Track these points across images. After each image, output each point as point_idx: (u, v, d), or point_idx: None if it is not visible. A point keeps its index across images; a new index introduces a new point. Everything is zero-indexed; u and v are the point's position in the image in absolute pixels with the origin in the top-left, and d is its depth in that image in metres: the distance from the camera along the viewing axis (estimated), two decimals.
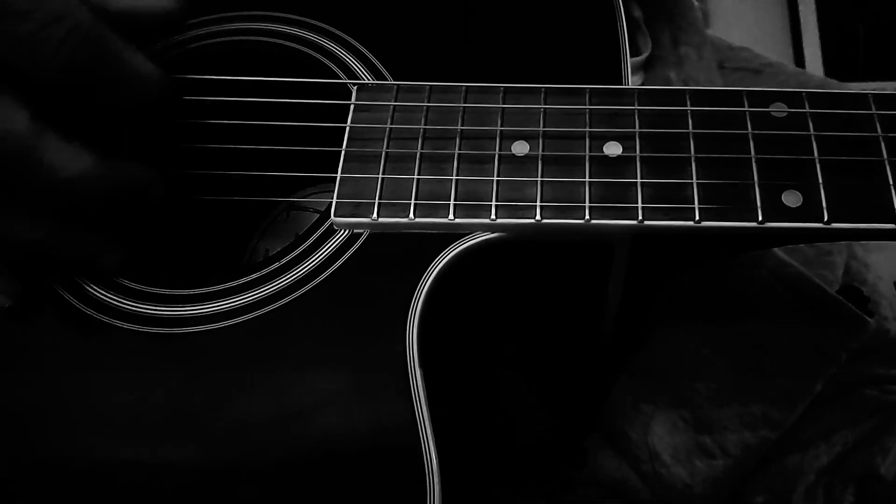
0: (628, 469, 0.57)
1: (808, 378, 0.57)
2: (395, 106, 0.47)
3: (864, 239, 0.45)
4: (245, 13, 0.53)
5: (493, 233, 0.44)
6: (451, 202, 0.44)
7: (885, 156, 0.42)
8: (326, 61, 0.50)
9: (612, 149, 0.44)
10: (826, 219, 0.41)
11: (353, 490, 0.40)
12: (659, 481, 0.57)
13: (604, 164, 0.44)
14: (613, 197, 0.43)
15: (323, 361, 0.43)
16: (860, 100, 0.44)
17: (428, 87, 0.47)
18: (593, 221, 0.42)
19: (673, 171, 0.43)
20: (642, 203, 0.42)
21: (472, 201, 0.44)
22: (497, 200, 0.43)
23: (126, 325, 0.44)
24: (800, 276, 0.57)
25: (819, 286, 0.57)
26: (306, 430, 0.41)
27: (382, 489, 0.40)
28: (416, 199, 0.44)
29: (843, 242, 0.63)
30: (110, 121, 0.47)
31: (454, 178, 0.44)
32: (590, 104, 0.45)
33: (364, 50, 0.50)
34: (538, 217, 0.43)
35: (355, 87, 0.48)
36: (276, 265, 0.45)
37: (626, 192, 0.43)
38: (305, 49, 0.51)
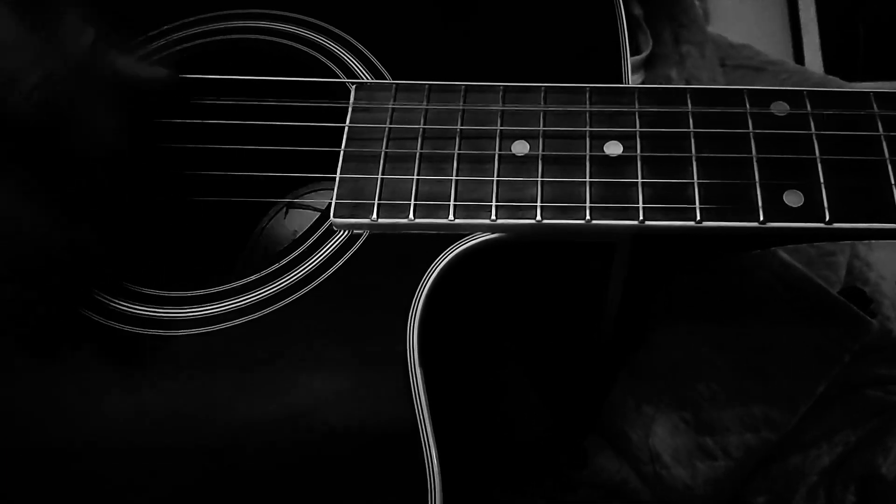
0: (629, 470, 0.57)
1: (810, 379, 0.57)
2: (394, 106, 0.46)
3: (865, 238, 0.44)
4: (243, 11, 0.52)
5: (493, 233, 0.44)
6: (451, 202, 0.43)
7: (886, 155, 0.42)
8: (325, 60, 0.50)
9: (613, 148, 0.44)
10: (828, 219, 0.41)
11: (354, 490, 0.40)
12: (660, 482, 0.57)
13: (604, 164, 0.43)
14: (614, 197, 0.43)
15: (324, 362, 0.42)
16: (862, 99, 0.44)
17: (427, 86, 0.47)
18: (594, 222, 0.42)
19: (674, 170, 0.43)
20: (643, 203, 0.42)
21: (472, 201, 0.43)
22: (497, 201, 0.43)
23: (124, 327, 0.44)
24: (802, 276, 0.57)
25: (821, 287, 0.57)
26: (307, 430, 0.41)
27: (383, 489, 0.40)
28: (415, 200, 0.44)
29: (845, 242, 0.63)
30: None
31: (454, 178, 0.44)
32: (590, 103, 0.45)
33: (363, 48, 0.50)
34: (538, 217, 0.43)
35: (354, 87, 0.48)
36: (276, 266, 0.45)
37: (627, 192, 0.43)
38: (304, 48, 0.51)
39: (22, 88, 0.38)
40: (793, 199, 0.42)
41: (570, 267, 0.50)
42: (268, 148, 0.48)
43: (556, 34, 0.50)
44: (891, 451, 0.57)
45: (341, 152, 0.45)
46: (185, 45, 0.52)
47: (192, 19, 0.52)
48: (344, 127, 0.46)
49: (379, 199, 0.44)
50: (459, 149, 0.45)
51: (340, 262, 0.44)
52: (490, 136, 0.45)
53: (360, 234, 0.45)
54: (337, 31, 0.51)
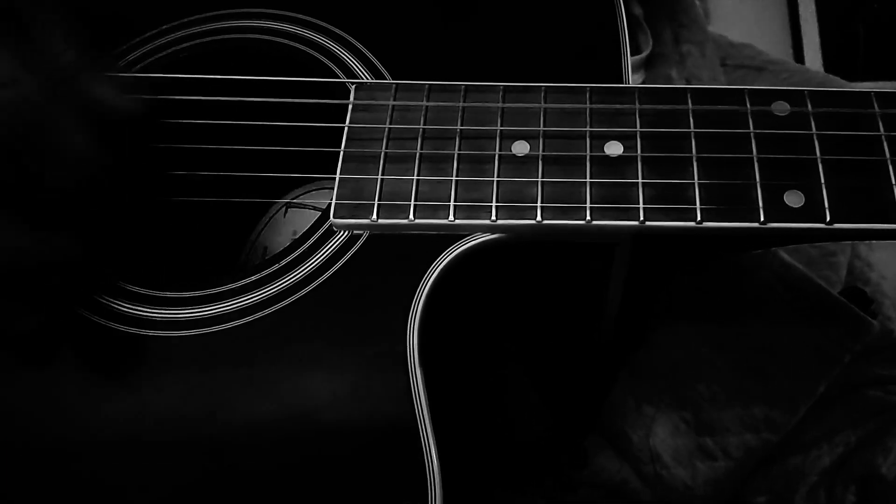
0: (629, 470, 0.57)
1: (811, 379, 0.57)
2: (393, 105, 0.46)
3: (866, 239, 0.44)
4: (243, 11, 0.52)
5: (493, 234, 0.43)
6: (451, 203, 0.43)
7: (887, 155, 0.42)
8: (325, 60, 0.50)
9: (613, 148, 0.44)
10: (828, 219, 0.41)
11: (354, 489, 0.40)
12: (660, 483, 0.57)
13: (605, 164, 0.43)
14: (614, 197, 0.42)
15: (324, 362, 0.42)
16: (862, 98, 0.44)
17: (427, 86, 0.47)
18: (594, 222, 0.42)
19: (674, 170, 0.43)
20: (643, 203, 0.42)
21: (472, 202, 0.43)
22: (497, 201, 0.43)
23: (125, 328, 0.44)
24: (802, 276, 0.57)
25: (821, 287, 0.57)
26: (308, 430, 0.41)
27: (383, 489, 0.40)
28: (415, 200, 0.44)
29: (846, 242, 0.63)
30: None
31: (454, 178, 0.44)
32: (590, 103, 0.45)
33: (363, 48, 0.50)
34: (539, 218, 0.42)
35: (354, 87, 0.47)
36: (276, 267, 0.45)
37: (627, 193, 0.42)
38: (303, 47, 0.51)
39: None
40: (793, 199, 0.42)
41: (571, 267, 0.50)
42: (267, 148, 0.48)
43: (557, 34, 0.50)
44: (891, 452, 0.57)
45: (341, 152, 0.45)
46: (184, 45, 0.52)
47: (191, 19, 0.52)
48: (344, 127, 0.46)
49: (379, 200, 0.44)
50: (459, 149, 0.45)
51: (340, 263, 0.44)
52: (490, 136, 0.45)
53: (360, 235, 0.45)
54: (337, 30, 0.51)
